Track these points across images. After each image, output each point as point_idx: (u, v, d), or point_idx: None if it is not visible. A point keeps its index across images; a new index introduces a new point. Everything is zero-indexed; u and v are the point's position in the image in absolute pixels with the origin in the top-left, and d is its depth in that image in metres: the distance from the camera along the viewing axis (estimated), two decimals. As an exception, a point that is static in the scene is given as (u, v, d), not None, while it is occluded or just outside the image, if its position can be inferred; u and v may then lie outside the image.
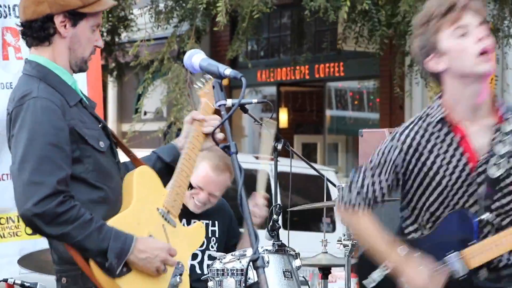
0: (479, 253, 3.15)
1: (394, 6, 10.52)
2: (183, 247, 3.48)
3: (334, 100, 16.65)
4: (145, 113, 13.17)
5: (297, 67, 15.63)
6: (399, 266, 3.24)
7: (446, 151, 3.21)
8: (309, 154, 16.01)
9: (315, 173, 6.01)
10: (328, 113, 16.34)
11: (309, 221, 10.02)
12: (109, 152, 3.45)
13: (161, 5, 12.34)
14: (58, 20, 3.36)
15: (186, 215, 4.96)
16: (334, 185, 5.37)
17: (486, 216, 3.18)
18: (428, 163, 3.22)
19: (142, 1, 12.36)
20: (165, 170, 3.61)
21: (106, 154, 3.42)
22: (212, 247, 4.94)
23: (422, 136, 3.25)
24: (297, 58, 14.58)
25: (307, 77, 15.70)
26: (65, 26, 3.37)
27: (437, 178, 3.20)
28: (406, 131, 3.27)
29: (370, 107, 16.00)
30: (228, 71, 3.20)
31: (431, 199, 3.23)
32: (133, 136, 12.23)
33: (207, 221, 5.05)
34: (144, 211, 3.41)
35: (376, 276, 3.32)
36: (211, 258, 4.83)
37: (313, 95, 17.02)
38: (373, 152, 3.34)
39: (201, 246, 4.92)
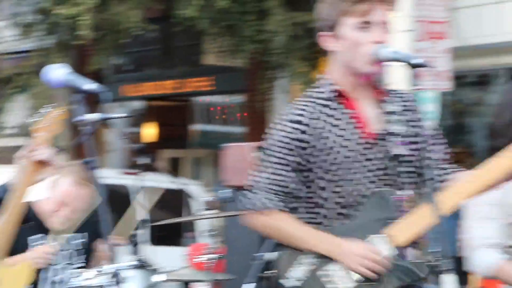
0: (404, 230, 3.12)
1: (260, 23, 10.65)
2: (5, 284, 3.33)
3: (201, 114, 16.70)
4: (4, 129, 12.86)
5: (165, 82, 15.60)
6: (333, 247, 3.13)
7: (341, 124, 3.19)
8: (175, 168, 15.98)
9: (181, 187, 6.02)
10: (195, 127, 16.37)
11: (174, 236, 10.00)
12: None
13: (24, 18, 12.09)
14: None
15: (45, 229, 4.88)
16: (199, 199, 5.39)
17: (399, 193, 3.17)
18: (325, 134, 3.17)
19: (4, 13, 12.08)
20: None
21: None
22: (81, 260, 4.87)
23: (316, 111, 3.20)
24: (165, 73, 14.57)
25: (175, 91, 15.69)
26: None
27: (335, 150, 3.16)
28: (298, 110, 3.21)
29: (236, 122, 16.11)
30: (89, 85, 3.17)
31: (333, 174, 3.16)
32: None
33: (77, 234, 4.99)
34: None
35: (298, 274, 3.16)
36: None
37: (180, 110, 17.01)
38: (267, 147, 3.24)
39: (70, 260, 4.86)
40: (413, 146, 3.22)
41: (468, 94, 13.36)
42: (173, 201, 7.91)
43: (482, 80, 13.07)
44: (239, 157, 5.87)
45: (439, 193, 3.03)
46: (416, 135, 3.24)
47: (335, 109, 3.20)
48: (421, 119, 3.26)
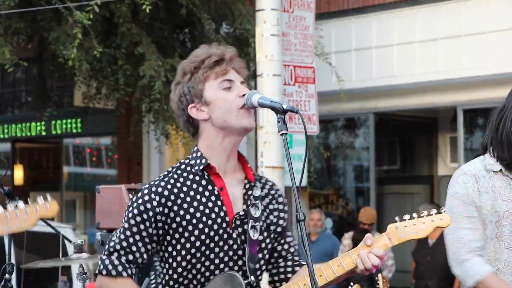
0: None
1: (134, 67, 10.68)
2: None
3: (72, 156, 16.51)
4: None
5: (33, 123, 15.37)
6: None
7: (208, 201, 3.17)
8: (46, 211, 15.69)
9: (52, 230, 5.93)
10: (66, 169, 16.16)
11: (45, 280, 9.80)
12: None
13: None
14: None
15: None
16: (70, 242, 5.33)
17: (252, 279, 3.19)
18: (191, 210, 3.14)
19: None
20: None
21: None
22: None
23: (184, 184, 3.17)
24: (33, 114, 14.36)
25: (44, 133, 15.47)
26: None
27: (200, 227, 3.14)
28: (163, 183, 3.16)
29: (108, 164, 16.00)
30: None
31: (192, 252, 3.14)
32: None
33: None
34: None
35: None
36: None
37: (50, 152, 16.77)
38: (126, 212, 3.15)
39: None
40: (266, 234, 3.27)
41: (336, 137, 13.70)
42: (47, 245, 7.76)
43: (350, 124, 13.44)
44: (112, 200, 5.83)
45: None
46: (271, 224, 3.30)
47: (203, 184, 3.19)
48: (280, 209, 3.34)
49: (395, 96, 11.97)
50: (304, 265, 3.36)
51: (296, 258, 3.38)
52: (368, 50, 12.00)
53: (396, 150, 14.09)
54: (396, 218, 3.28)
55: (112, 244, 3.15)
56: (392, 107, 12.25)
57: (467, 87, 11.24)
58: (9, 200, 4.96)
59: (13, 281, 4.57)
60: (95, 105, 12.37)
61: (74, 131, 15.28)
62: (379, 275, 6.57)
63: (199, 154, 3.22)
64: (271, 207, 3.32)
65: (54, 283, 9.87)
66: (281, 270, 3.35)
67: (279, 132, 3.09)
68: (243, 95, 3.20)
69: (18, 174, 16.21)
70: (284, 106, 3.11)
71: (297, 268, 3.36)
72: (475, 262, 3.71)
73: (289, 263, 3.36)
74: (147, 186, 3.17)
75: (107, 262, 3.15)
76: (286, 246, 3.35)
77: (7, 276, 4.48)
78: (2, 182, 5.19)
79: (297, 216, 3.02)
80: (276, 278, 3.37)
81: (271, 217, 3.31)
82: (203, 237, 3.13)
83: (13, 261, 4.70)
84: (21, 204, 3.20)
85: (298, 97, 9.30)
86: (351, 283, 6.70)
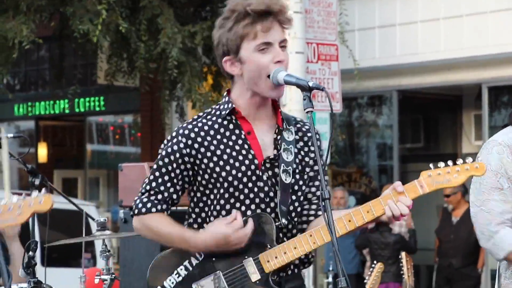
0: (274, 257, 3.17)
1: (156, 41, 10.67)
2: None
3: (95, 134, 16.55)
4: None
5: (57, 101, 15.41)
6: (204, 240, 3.17)
7: (235, 144, 3.22)
8: (69, 189, 15.79)
9: (75, 208, 5.94)
10: (89, 147, 16.22)
11: (69, 257, 9.86)
12: None
13: None
14: None
15: None
16: (94, 219, 5.34)
17: (283, 221, 3.22)
18: (218, 152, 3.21)
19: None
20: None
21: None
22: None
23: (211, 128, 3.23)
24: (57, 92, 14.39)
25: (67, 111, 15.52)
26: None
27: (227, 169, 3.19)
28: (190, 126, 3.23)
29: (131, 142, 16.03)
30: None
31: (221, 193, 3.20)
32: None
33: None
34: None
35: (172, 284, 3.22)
36: None
37: (73, 130, 16.83)
38: (159, 153, 3.25)
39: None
40: (299, 177, 3.28)
41: (359, 115, 13.64)
42: (70, 222, 7.80)
43: (373, 101, 13.38)
44: (135, 177, 5.83)
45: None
46: (306, 166, 3.31)
47: (231, 128, 3.24)
48: (313, 151, 3.32)
49: (419, 74, 11.89)
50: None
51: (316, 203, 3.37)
52: (392, 27, 11.91)
53: (420, 128, 14.01)
54: (430, 166, 3.22)
55: (143, 186, 3.26)
56: (416, 85, 12.18)
57: (492, 64, 11.14)
58: (32, 177, 4.97)
59: (37, 258, 4.58)
60: (118, 82, 12.37)
61: (97, 109, 15.30)
62: (403, 254, 6.54)
63: (227, 99, 3.28)
64: (306, 149, 3.34)
65: (77, 260, 9.93)
66: (305, 212, 3.35)
67: (304, 109, 3.10)
68: (278, 61, 3.19)
69: (42, 152, 16.27)
70: (310, 84, 3.10)
71: (319, 213, 3.34)
72: (506, 233, 3.66)
73: (313, 206, 3.36)
74: (176, 129, 3.27)
75: (138, 202, 3.26)
76: (313, 189, 3.35)
77: (31, 253, 4.50)
78: (25, 160, 5.21)
79: (322, 195, 3.01)
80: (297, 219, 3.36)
81: (306, 159, 3.33)
82: (230, 178, 3.20)
83: (37, 238, 4.71)
84: (14, 198, 3.21)
85: (321, 74, 9.25)
86: (375, 261, 6.66)
